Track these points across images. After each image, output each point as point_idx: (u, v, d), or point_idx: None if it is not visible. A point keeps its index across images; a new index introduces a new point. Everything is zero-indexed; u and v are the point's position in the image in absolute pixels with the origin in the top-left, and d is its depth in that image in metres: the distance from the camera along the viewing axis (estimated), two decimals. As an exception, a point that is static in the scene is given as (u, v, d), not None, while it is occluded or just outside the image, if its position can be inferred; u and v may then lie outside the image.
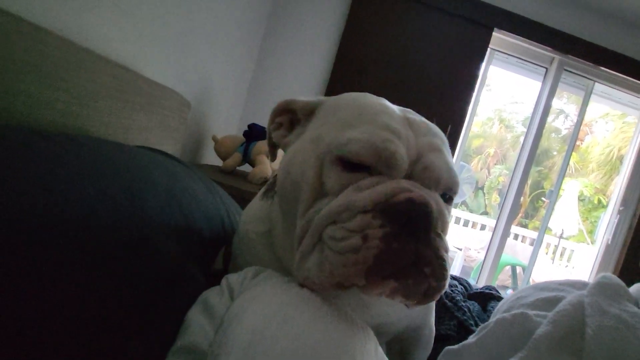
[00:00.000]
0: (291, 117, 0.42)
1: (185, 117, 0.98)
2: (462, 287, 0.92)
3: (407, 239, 0.27)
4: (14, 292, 0.22)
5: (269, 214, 0.42)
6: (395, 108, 0.36)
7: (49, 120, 0.48)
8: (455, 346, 0.45)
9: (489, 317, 0.73)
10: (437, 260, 0.28)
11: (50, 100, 0.47)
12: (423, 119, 0.37)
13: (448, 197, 0.34)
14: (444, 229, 0.31)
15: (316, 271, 0.29)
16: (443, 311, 0.65)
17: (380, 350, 0.30)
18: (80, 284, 0.26)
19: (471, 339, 0.45)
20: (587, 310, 0.32)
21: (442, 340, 0.57)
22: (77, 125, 0.54)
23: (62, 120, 0.50)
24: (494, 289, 0.93)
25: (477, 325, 0.64)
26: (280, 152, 0.44)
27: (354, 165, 0.30)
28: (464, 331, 0.60)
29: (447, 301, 0.68)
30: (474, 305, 0.77)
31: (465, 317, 0.63)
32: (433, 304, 0.51)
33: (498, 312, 0.47)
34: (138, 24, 0.79)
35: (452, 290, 0.74)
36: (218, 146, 1.44)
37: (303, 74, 2.03)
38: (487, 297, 0.84)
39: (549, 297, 0.40)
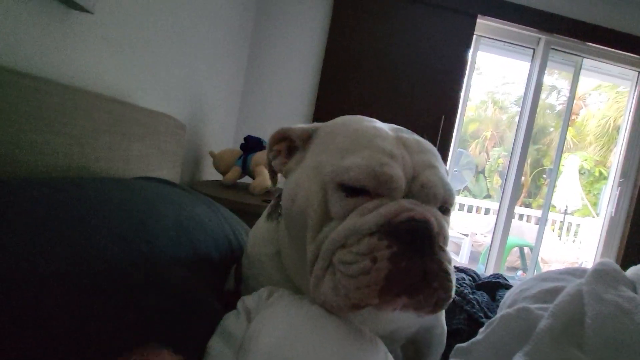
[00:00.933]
0: (289, 144, 0.43)
1: (182, 139, 1.00)
2: (470, 277, 0.94)
3: (413, 257, 0.29)
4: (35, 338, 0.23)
5: (276, 235, 0.43)
6: (387, 129, 0.38)
7: (53, 165, 0.49)
8: (465, 344, 0.47)
9: (497, 306, 0.74)
10: (442, 273, 0.30)
11: (52, 145, 0.49)
12: (415, 136, 0.39)
13: (445, 208, 0.36)
14: (445, 241, 0.33)
15: (332, 295, 0.30)
16: (452, 306, 0.67)
17: (390, 357, 0.32)
18: (100, 330, 0.27)
19: (479, 335, 0.47)
20: (586, 299, 0.34)
21: (453, 335, 0.59)
22: (79, 164, 0.56)
23: (64, 163, 0.52)
24: (501, 276, 0.95)
25: (487, 316, 0.66)
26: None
27: (355, 190, 0.32)
28: (475, 324, 0.62)
29: (455, 296, 0.69)
30: (482, 296, 0.79)
31: (474, 310, 0.64)
32: None
33: (504, 305, 0.49)
34: (128, 56, 0.81)
35: (460, 284, 0.76)
36: (216, 161, 1.45)
37: (294, 79, 2.04)
38: (495, 286, 0.86)
39: (550, 287, 0.42)
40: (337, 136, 0.37)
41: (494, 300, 0.79)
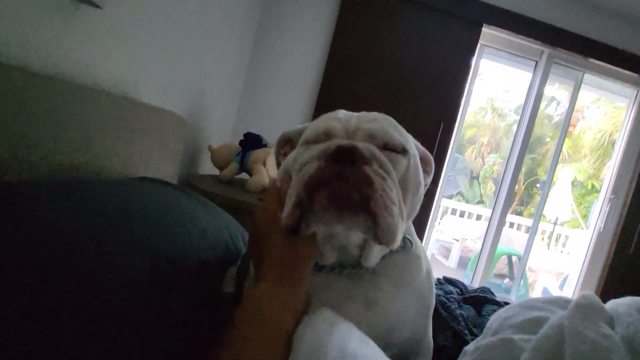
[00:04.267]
0: (292, 145, 0.51)
1: (183, 135, 1.00)
2: (458, 289, 0.96)
3: (335, 167, 0.36)
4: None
5: None
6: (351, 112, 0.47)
7: (58, 162, 0.50)
8: (449, 365, 0.49)
9: (483, 322, 0.76)
10: (360, 174, 0.36)
11: (59, 143, 0.49)
12: (377, 115, 0.46)
13: (392, 151, 0.42)
14: (383, 166, 0.38)
15: (287, 207, 0.38)
16: (438, 321, 0.69)
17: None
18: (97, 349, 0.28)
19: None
20: (566, 334, 0.36)
21: (438, 351, 0.61)
22: (84, 161, 0.56)
23: (70, 160, 0.52)
24: (488, 290, 0.97)
25: (472, 333, 0.68)
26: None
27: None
28: (459, 341, 0.64)
29: (442, 311, 0.71)
30: (469, 311, 0.81)
31: (460, 327, 0.66)
32: (430, 317, 0.55)
33: (489, 330, 0.51)
34: (135, 51, 0.80)
35: (447, 299, 0.77)
36: (214, 156, 1.45)
37: (296, 77, 2.04)
38: (482, 301, 0.88)
39: (534, 317, 0.43)
40: (313, 124, 0.47)
41: (480, 315, 0.81)
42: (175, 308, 0.35)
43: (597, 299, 0.42)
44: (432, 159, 0.51)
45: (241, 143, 1.46)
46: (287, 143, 0.53)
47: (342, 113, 0.47)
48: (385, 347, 0.41)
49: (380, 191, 0.36)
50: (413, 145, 0.48)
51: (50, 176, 0.50)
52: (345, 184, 0.36)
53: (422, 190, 0.47)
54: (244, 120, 2.01)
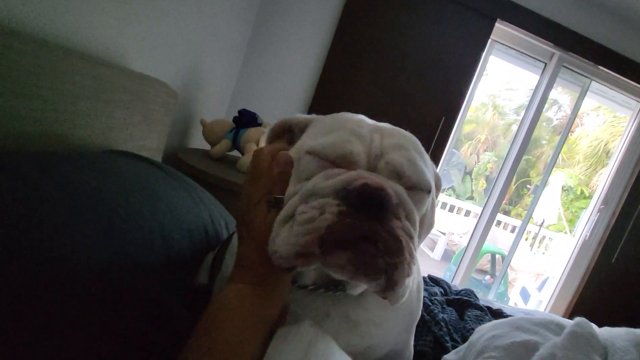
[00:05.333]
0: (291, 135, 0.44)
1: (172, 107, 0.94)
2: (442, 290, 0.95)
3: (360, 216, 0.30)
4: None
5: None
6: (370, 121, 0.40)
7: (20, 132, 0.45)
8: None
9: (464, 327, 0.75)
10: (391, 238, 0.30)
11: (21, 110, 0.44)
12: (397, 128, 0.40)
13: (415, 188, 0.35)
14: (410, 216, 0.33)
15: (283, 245, 0.31)
16: (421, 325, 0.67)
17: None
18: (54, 345, 0.25)
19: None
20: (558, 366, 0.34)
21: (417, 356, 0.59)
22: (53, 132, 0.51)
23: (36, 130, 0.47)
24: (472, 293, 0.96)
25: (452, 339, 0.66)
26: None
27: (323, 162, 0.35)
28: (440, 347, 0.63)
29: (425, 314, 0.70)
30: (451, 314, 0.80)
31: (441, 333, 0.65)
32: (414, 329, 0.53)
33: (472, 347, 0.49)
34: (123, 12, 0.74)
35: (431, 301, 0.76)
36: (206, 131, 1.40)
37: (297, 59, 1.95)
38: (465, 304, 0.87)
39: (523, 341, 0.41)
40: (325, 123, 0.39)
41: (462, 319, 0.80)
42: (133, 309, 0.31)
43: (592, 329, 0.40)
44: (441, 183, 0.46)
45: (235, 120, 1.40)
46: (287, 132, 0.45)
47: (364, 125, 0.38)
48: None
49: (408, 258, 0.31)
50: (433, 173, 0.41)
51: (20, 145, 0.45)
52: (373, 248, 0.29)
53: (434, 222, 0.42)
54: (240, 98, 1.94)
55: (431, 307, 0.72)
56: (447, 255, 4.39)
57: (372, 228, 0.29)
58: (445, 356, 0.53)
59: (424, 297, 0.78)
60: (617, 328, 0.42)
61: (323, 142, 0.36)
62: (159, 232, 0.42)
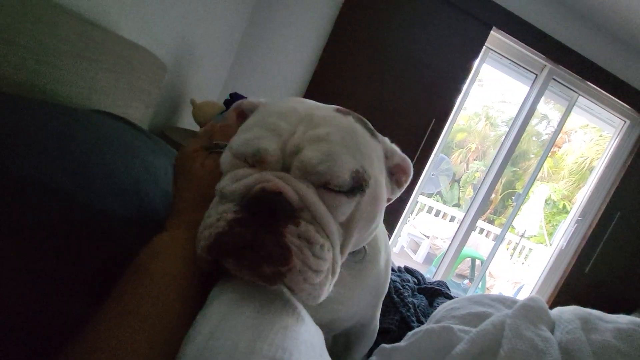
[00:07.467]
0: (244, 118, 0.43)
1: (160, 79, 0.94)
2: (415, 280, 0.97)
3: (249, 225, 0.29)
4: None
5: None
6: (306, 107, 0.36)
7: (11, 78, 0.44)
8: (388, 346, 0.49)
9: (433, 312, 0.77)
10: (277, 247, 0.29)
11: (1, 55, 0.44)
12: (333, 114, 0.36)
13: (331, 188, 0.32)
14: (319, 219, 0.31)
15: (197, 243, 0.32)
16: (390, 305, 0.69)
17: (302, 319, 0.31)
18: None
19: (402, 342, 0.48)
20: (506, 331, 0.35)
21: (382, 332, 0.61)
22: (34, 82, 0.51)
23: (15, 77, 0.47)
24: (444, 285, 0.98)
25: (419, 321, 0.68)
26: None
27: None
28: (405, 326, 0.64)
29: (394, 296, 0.71)
30: (421, 300, 0.81)
31: (408, 314, 0.67)
32: (380, 304, 0.54)
33: (432, 319, 0.51)
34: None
35: (402, 285, 0.78)
36: (196, 111, 1.39)
37: (294, 47, 1.96)
38: (436, 293, 0.89)
39: (479, 312, 0.43)
40: (254, 116, 0.38)
41: (431, 306, 0.82)
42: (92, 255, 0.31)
43: (544, 304, 0.42)
44: (410, 168, 0.42)
45: (226, 102, 1.40)
46: (240, 116, 0.45)
47: (291, 116, 0.35)
48: (326, 331, 0.39)
49: (299, 267, 0.29)
50: (379, 160, 0.38)
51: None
52: (255, 256, 0.29)
53: (380, 215, 0.38)
54: (234, 82, 1.93)
55: (402, 290, 0.74)
56: (429, 259, 4.44)
57: (257, 236, 0.29)
58: (406, 336, 0.54)
59: (396, 281, 0.80)
60: (566, 307, 0.44)
61: (240, 138, 0.35)
62: (134, 186, 0.43)
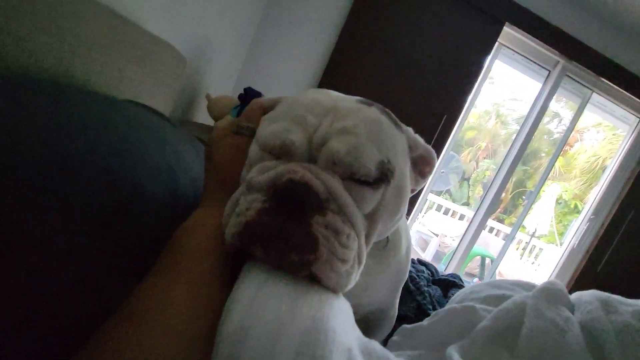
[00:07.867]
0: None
1: (180, 73, 0.96)
2: (429, 272, 0.98)
3: (277, 215, 0.30)
4: None
5: None
6: (331, 98, 0.37)
7: (39, 67, 0.47)
8: (410, 326, 0.50)
9: (447, 302, 0.78)
10: (305, 236, 0.29)
11: (43, 45, 0.46)
12: (358, 106, 0.36)
13: (357, 179, 0.33)
14: (344, 210, 0.32)
15: (227, 229, 0.33)
16: (406, 294, 0.70)
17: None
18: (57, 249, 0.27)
19: (424, 322, 0.50)
20: (527, 311, 0.36)
21: (400, 319, 0.62)
22: (69, 73, 0.53)
23: (54, 68, 0.49)
24: (458, 277, 0.99)
25: (434, 309, 0.69)
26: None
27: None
28: (422, 314, 0.66)
29: (411, 285, 0.73)
30: (436, 290, 0.82)
31: (424, 302, 0.68)
32: (400, 288, 0.55)
33: (452, 301, 0.52)
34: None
35: (417, 275, 0.79)
36: (211, 106, 1.42)
37: (307, 43, 1.97)
38: (450, 285, 0.90)
39: (499, 294, 0.44)
40: (278, 110, 0.38)
41: (446, 297, 0.83)
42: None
43: (563, 287, 0.43)
44: (434, 159, 0.42)
45: (240, 97, 1.42)
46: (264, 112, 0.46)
47: (317, 109, 0.35)
48: None
49: (326, 255, 0.30)
50: (403, 151, 0.38)
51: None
52: (283, 244, 0.29)
53: (404, 206, 0.38)
54: (247, 77, 1.96)
55: (417, 280, 0.75)
56: (438, 257, 4.42)
57: (285, 225, 0.30)
58: (427, 318, 0.55)
59: (412, 271, 0.81)
60: (586, 291, 0.45)
61: (267, 131, 0.35)
62: (167, 170, 0.45)
